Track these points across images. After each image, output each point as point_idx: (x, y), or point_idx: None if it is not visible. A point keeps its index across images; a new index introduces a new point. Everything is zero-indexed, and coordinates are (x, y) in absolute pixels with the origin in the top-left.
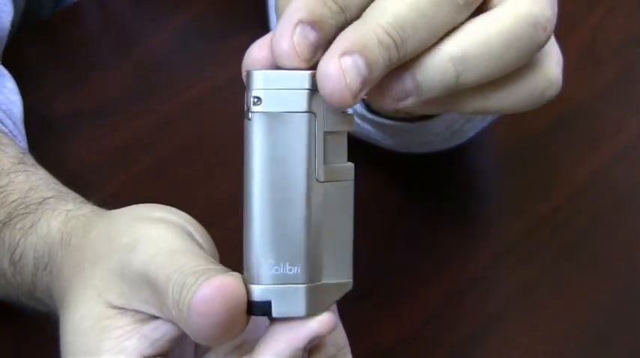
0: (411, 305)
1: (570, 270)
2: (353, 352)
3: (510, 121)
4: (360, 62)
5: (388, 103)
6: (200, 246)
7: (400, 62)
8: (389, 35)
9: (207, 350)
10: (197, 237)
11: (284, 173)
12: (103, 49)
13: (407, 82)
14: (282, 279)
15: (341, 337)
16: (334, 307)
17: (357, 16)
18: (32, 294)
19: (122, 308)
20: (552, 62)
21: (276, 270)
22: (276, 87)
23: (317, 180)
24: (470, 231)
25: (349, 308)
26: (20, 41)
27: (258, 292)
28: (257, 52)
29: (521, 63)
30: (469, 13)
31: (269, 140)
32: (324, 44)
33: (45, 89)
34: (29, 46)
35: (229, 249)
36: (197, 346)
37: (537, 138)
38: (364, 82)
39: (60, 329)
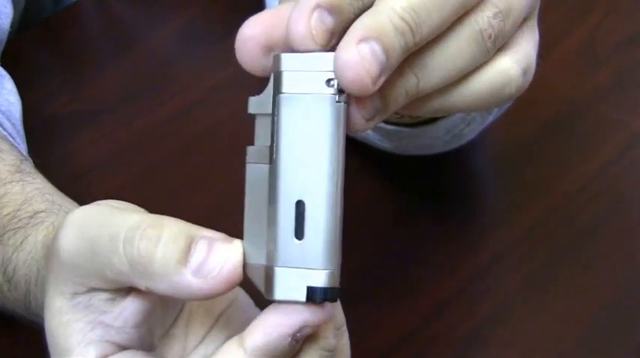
0: (411, 305)
1: (570, 270)
2: (353, 352)
3: (510, 121)
4: (378, 48)
5: (358, 126)
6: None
7: (416, 47)
8: (404, 20)
9: (197, 339)
10: None
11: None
12: (103, 49)
13: (375, 100)
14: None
15: (339, 315)
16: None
17: (373, 3)
18: (29, 309)
19: (74, 295)
20: (511, 60)
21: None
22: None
23: None
24: (470, 231)
25: (349, 309)
26: (20, 41)
27: (332, 278)
28: (251, 29)
29: (475, 64)
30: None
31: None
32: (340, 30)
33: (45, 89)
34: (29, 46)
35: None
36: (187, 337)
37: (537, 138)
38: (383, 69)
39: None
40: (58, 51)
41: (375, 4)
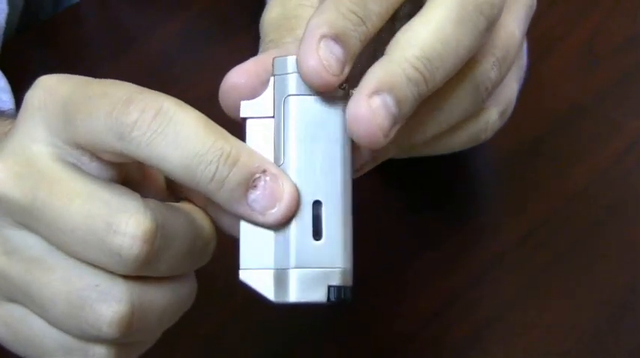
0: (411, 305)
1: (570, 270)
2: (352, 352)
3: (510, 122)
4: (390, 101)
5: (358, 173)
6: None
7: (429, 94)
8: (417, 70)
9: None
10: None
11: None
12: (103, 49)
13: (364, 154)
14: None
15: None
16: None
17: (379, 26)
18: None
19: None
20: (491, 106)
21: None
22: None
23: None
24: (470, 231)
25: (349, 311)
26: (20, 42)
27: (349, 276)
28: (235, 78)
29: (465, 117)
30: (489, 36)
31: None
32: (349, 59)
33: None
34: (29, 46)
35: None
36: None
37: (537, 139)
38: (395, 121)
39: None
40: (58, 52)
41: (386, 51)
